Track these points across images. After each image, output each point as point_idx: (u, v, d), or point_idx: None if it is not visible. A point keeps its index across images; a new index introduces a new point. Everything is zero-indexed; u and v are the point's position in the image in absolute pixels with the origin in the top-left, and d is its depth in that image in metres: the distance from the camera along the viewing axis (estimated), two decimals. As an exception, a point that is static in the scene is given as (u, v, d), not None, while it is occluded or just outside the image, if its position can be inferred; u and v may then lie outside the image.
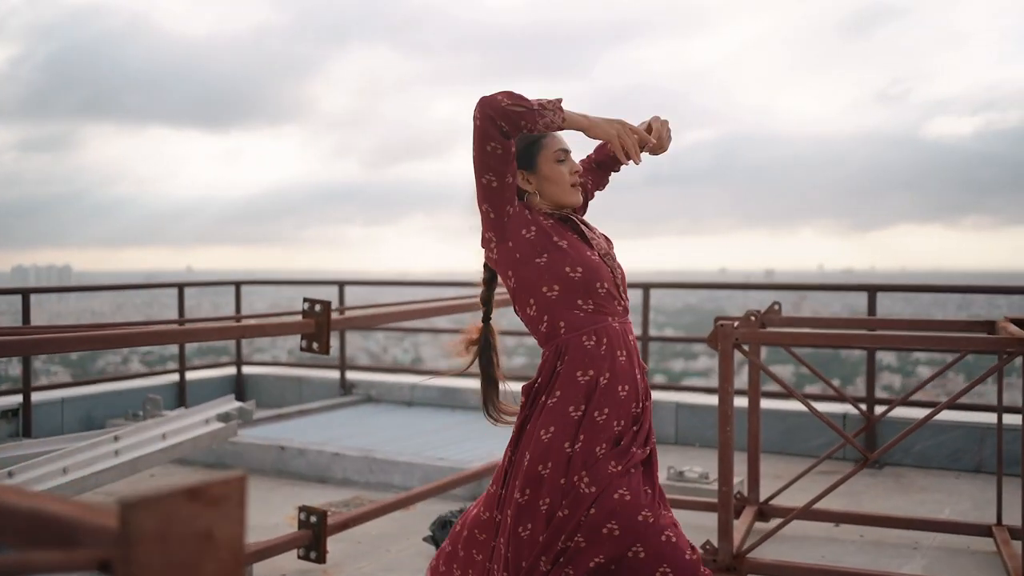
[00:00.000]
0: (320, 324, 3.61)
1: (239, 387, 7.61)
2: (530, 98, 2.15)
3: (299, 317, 3.65)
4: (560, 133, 2.31)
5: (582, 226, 2.34)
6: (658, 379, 7.62)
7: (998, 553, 3.77)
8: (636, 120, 2.38)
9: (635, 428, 2.24)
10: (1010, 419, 5.41)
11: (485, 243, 2.32)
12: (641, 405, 2.26)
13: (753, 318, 3.86)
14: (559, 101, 2.18)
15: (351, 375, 7.48)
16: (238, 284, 7.64)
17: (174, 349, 7.41)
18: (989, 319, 3.98)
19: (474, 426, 6.27)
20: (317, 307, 3.62)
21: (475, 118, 2.15)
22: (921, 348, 3.46)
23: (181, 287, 7.08)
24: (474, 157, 2.19)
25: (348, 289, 7.50)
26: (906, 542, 4.05)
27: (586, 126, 2.23)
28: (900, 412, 5.64)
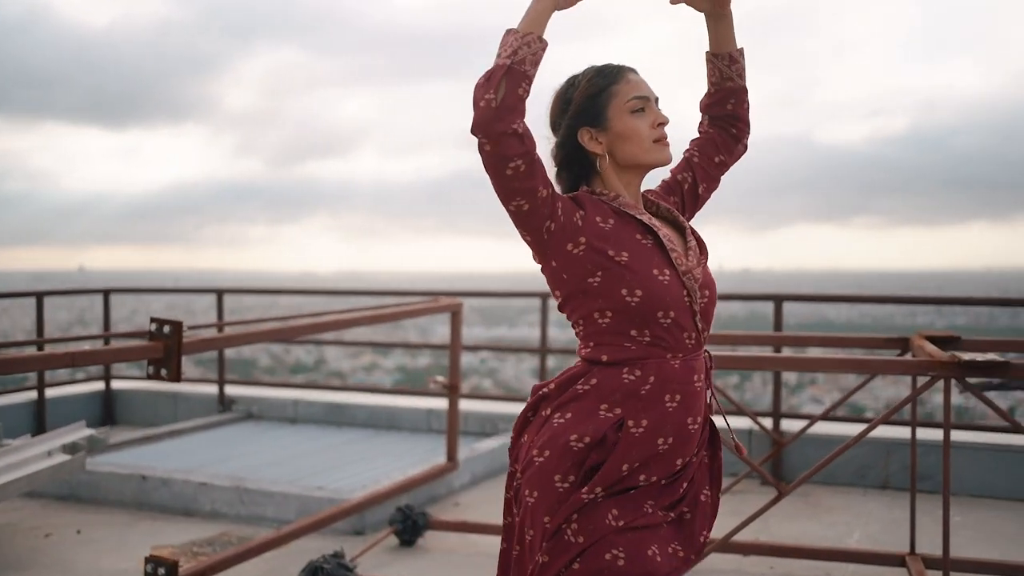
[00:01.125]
0: (169, 348, 3.15)
1: (107, 405, 7.00)
2: (492, 65, 1.70)
3: (146, 340, 3.18)
4: (639, 77, 1.88)
5: (663, 229, 1.84)
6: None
7: (913, 585, 3.54)
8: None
9: (664, 481, 1.81)
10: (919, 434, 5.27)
11: (532, 256, 1.88)
12: (688, 460, 1.83)
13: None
14: (511, 32, 1.73)
15: (232, 389, 6.95)
16: (106, 292, 7.02)
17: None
18: (902, 335, 3.76)
19: (361, 446, 5.85)
20: (166, 328, 3.16)
21: (481, 145, 1.71)
22: (835, 371, 3.19)
23: (40, 296, 6.44)
24: (495, 187, 1.76)
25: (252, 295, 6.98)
26: (817, 573, 3.80)
27: (550, 3, 1.74)
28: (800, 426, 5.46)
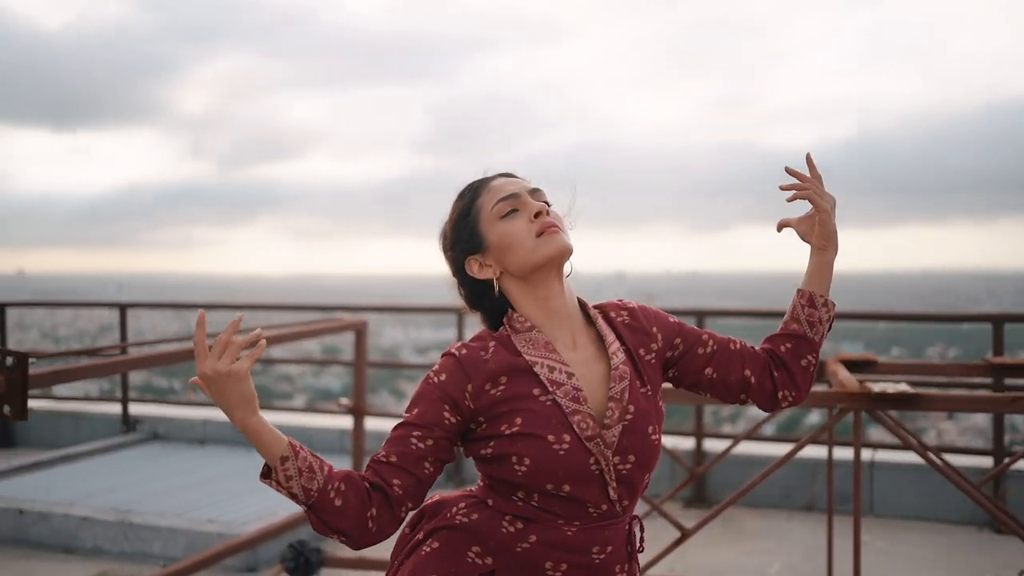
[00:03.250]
0: (13, 382, 2.85)
1: (5, 425, 6.59)
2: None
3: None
4: (505, 178, 1.62)
5: (565, 385, 1.51)
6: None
7: (829, 624, 3.36)
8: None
9: None
10: (843, 453, 5.12)
11: None
12: None
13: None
14: (268, 478, 1.45)
15: (136, 408, 6.59)
16: (3, 306, 6.63)
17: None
18: (820, 359, 3.58)
19: (270, 469, 5.54)
20: (9, 360, 2.85)
21: None
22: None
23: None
24: None
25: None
26: (731, 610, 3.60)
27: (250, 426, 1.44)
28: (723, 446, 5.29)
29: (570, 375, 1.51)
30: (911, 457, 4.94)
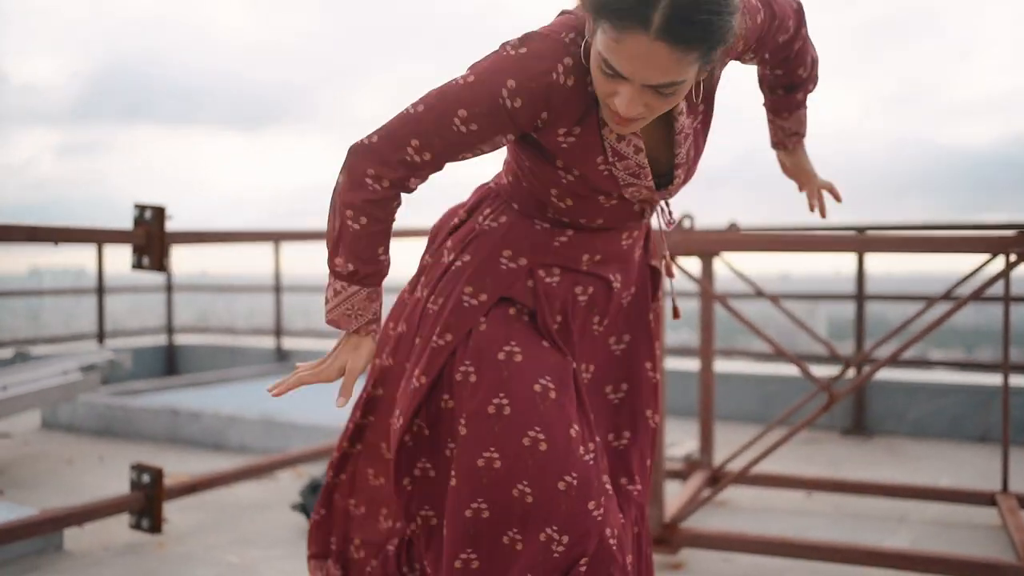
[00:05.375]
0: (152, 235, 2.92)
1: (170, 358, 6.93)
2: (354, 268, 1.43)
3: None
4: (639, 47, 1.17)
5: (628, 159, 1.38)
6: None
7: (1003, 525, 3.02)
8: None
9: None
10: (1018, 380, 4.69)
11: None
12: (604, 319, 1.57)
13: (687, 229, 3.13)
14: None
15: (289, 342, 6.78)
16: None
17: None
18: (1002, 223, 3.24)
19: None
20: (148, 213, 2.92)
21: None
22: (914, 250, 2.67)
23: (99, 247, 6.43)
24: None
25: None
26: (891, 514, 3.30)
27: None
28: (893, 375, 4.90)
29: (638, 150, 1.38)
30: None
